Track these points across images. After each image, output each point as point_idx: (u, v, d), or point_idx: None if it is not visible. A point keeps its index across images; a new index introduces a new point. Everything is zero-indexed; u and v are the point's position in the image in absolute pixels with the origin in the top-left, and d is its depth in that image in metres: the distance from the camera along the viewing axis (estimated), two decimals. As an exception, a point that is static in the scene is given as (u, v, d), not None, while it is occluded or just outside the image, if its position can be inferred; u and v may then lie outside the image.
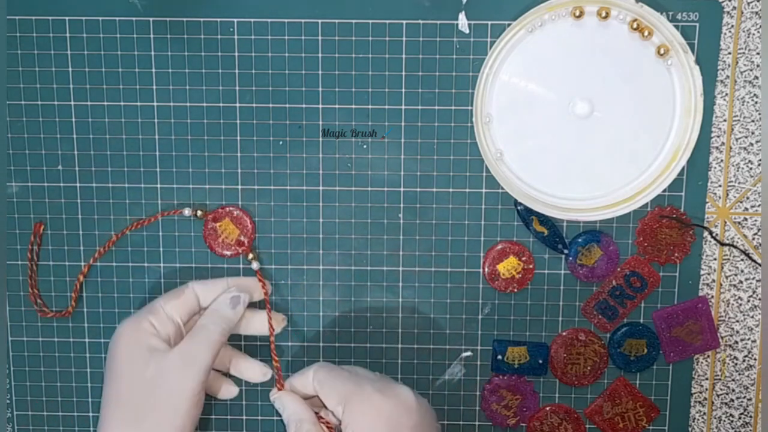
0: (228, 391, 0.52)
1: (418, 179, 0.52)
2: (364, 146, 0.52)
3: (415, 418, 0.44)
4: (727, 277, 0.53)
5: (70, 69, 0.51)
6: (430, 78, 0.51)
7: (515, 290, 0.53)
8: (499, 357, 0.53)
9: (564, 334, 0.53)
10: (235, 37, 0.51)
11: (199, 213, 0.52)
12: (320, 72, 0.51)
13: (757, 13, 0.50)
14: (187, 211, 0.52)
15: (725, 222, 0.52)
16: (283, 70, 0.51)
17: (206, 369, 0.46)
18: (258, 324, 0.51)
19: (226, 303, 0.49)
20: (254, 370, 0.51)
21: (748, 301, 0.53)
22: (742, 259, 0.53)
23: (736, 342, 0.54)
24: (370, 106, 0.51)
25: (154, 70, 0.51)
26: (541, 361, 0.53)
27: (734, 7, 0.50)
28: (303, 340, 0.54)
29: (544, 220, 0.52)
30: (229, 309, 0.48)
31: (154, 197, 0.53)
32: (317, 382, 0.46)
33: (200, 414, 0.47)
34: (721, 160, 0.52)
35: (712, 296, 0.53)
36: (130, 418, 0.45)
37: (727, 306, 0.53)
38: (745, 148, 0.52)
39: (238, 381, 0.53)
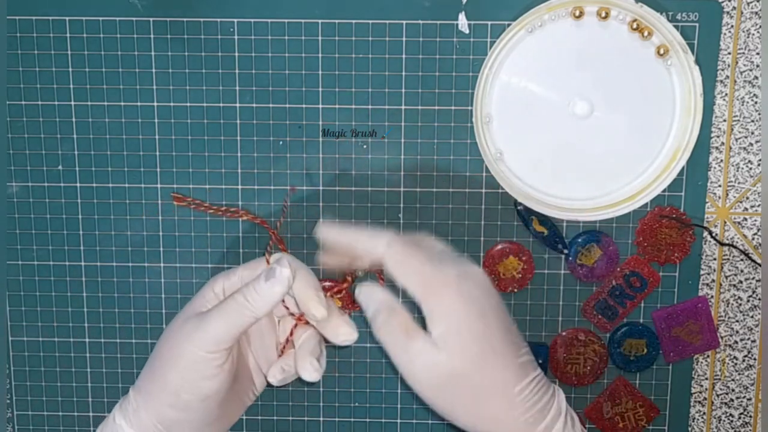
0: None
1: (418, 179, 0.52)
2: (364, 146, 0.52)
3: (494, 299, 0.42)
4: (726, 277, 0.53)
5: (70, 69, 0.51)
6: (430, 78, 0.51)
7: (515, 290, 0.53)
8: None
9: (564, 334, 0.53)
10: (235, 37, 0.51)
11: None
12: (320, 72, 0.51)
13: (756, 13, 0.50)
14: (359, 272, 0.49)
15: (725, 222, 0.52)
16: (283, 70, 0.51)
17: (215, 339, 0.42)
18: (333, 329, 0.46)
19: (260, 276, 0.43)
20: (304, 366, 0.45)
21: (748, 301, 0.53)
22: (741, 259, 0.53)
23: (736, 342, 0.54)
24: (370, 106, 0.51)
25: (154, 70, 0.51)
26: (540, 361, 0.53)
27: (734, 7, 0.50)
28: (303, 340, 0.54)
29: (544, 220, 0.52)
30: (263, 282, 0.42)
31: (154, 197, 0.53)
32: (390, 257, 0.42)
33: (221, 393, 0.43)
34: (721, 160, 0.52)
35: (712, 296, 0.53)
36: (149, 374, 0.44)
37: (727, 306, 0.53)
38: (744, 148, 0.52)
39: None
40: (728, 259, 0.53)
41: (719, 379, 0.54)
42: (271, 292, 0.42)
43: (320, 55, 0.51)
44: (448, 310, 0.41)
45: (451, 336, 0.40)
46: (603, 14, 0.48)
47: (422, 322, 0.42)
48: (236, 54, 0.51)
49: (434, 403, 0.42)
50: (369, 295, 0.44)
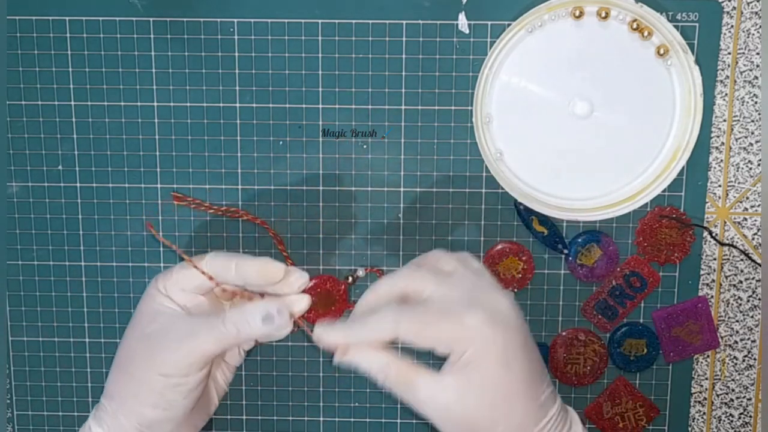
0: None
1: (418, 179, 0.52)
2: (364, 146, 0.52)
3: (522, 336, 0.41)
4: (726, 277, 0.53)
5: (70, 69, 0.51)
6: (430, 78, 0.51)
7: (515, 290, 0.53)
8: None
9: (564, 334, 0.53)
10: (235, 37, 0.51)
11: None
12: (320, 72, 0.51)
13: (756, 13, 0.50)
14: (360, 272, 0.52)
15: (725, 222, 0.52)
16: (283, 70, 0.51)
17: (204, 356, 0.42)
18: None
19: (258, 316, 0.42)
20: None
21: (748, 301, 0.53)
22: (741, 259, 0.53)
23: (736, 342, 0.54)
24: (370, 106, 0.51)
25: (154, 70, 0.51)
26: (541, 361, 0.53)
27: (734, 7, 0.50)
28: (303, 340, 0.54)
29: (543, 220, 0.52)
30: (258, 321, 0.42)
31: (154, 197, 0.53)
32: (406, 336, 0.40)
33: (203, 386, 0.44)
34: (721, 160, 0.52)
35: (712, 296, 0.53)
36: (123, 367, 0.44)
37: (727, 306, 0.53)
38: (744, 148, 0.52)
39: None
40: (728, 259, 0.53)
41: (719, 379, 0.54)
42: (265, 333, 0.42)
43: (320, 55, 0.51)
44: (471, 364, 0.39)
45: (472, 388, 0.39)
46: (603, 14, 0.48)
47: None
48: (236, 54, 0.51)
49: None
50: (362, 358, 0.41)
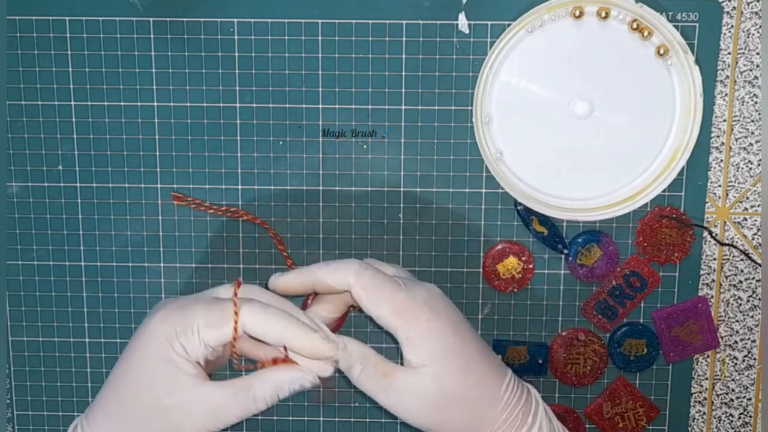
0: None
1: (418, 179, 0.52)
2: (364, 146, 0.52)
3: (457, 311, 0.43)
4: (726, 277, 0.53)
5: (70, 69, 0.51)
6: (430, 78, 0.51)
7: (515, 290, 0.53)
8: (499, 357, 0.53)
9: (564, 334, 0.53)
10: (235, 37, 0.51)
11: None
12: (320, 72, 0.51)
13: (756, 13, 0.50)
14: None
15: (725, 222, 0.52)
16: (283, 70, 0.51)
17: (226, 426, 0.41)
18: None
19: (291, 390, 0.41)
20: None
21: (748, 301, 0.53)
22: (741, 259, 0.53)
23: (736, 342, 0.54)
24: (370, 106, 0.51)
25: (154, 70, 0.51)
26: (540, 361, 0.53)
27: (734, 7, 0.50)
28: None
29: (543, 220, 0.52)
30: (287, 392, 0.41)
31: (154, 197, 0.53)
32: (361, 287, 0.42)
33: None
34: (721, 160, 0.52)
35: (712, 296, 0.53)
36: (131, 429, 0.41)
37: (727, 306, 0.53)
38: (744, 148, 0.52)
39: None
40: (728, 259, 0.53)
41: (719, 379, 0.54)
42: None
43: (320, 55, 0.51)
44: (426, 333, 0.41)
45: (434, 358, 0.41)
46: (603, 14, 0.48)
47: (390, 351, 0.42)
48: (236, 54, 0.51)
49: (433, 426, 0.42)
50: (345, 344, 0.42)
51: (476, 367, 0.42)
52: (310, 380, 0.41)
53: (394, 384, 0.41)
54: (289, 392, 0.41)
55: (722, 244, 0.53)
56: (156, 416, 0.40)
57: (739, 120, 0.51)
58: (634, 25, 0.48)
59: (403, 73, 0.51)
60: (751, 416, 0.55)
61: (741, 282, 0.53)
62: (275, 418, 0.55)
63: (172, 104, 0.52)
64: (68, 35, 0.51)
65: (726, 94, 0.51)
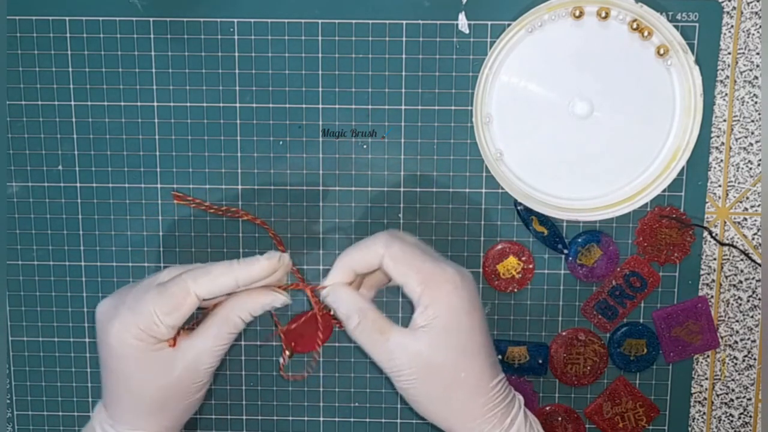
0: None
1: (418, 179, 0.52)
2: (364, 146, 0.52)
3: (479, 300, 0.44)
4: (726, 277, 0.53)
5: (70, 69, 0.51)
6: (430, 78, 0.51)
7: (515, 290, 0.53)
8: (499, 357, 0.53)
9: (564, 334, 0.53)
10: (235, 37, 0.51)
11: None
12: (320, 72, 0.51)
13: (756, 13, 0.50)
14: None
15: (725, 222, 0.52)
16: (283, 70, 0.51)
17: (218, 361, 0.44)
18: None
19: (262, 308, 0.43)
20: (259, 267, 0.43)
21: (748, 301, 0.53)
22: (741, 259, 0.53)
23: (736, 342, 0.54)
24: (370, 106, 0.51)
25: (154, 70, 0.51)
26: (540, 361, 0.53)
27: (734, 7, 0.50)
28: (303, 340, 0.54)
29: (544, 220, 0.52)
30: (260, 312, 0.44)
31: (154, 197, 0.53)
32: (390, 258, 0.43)
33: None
34: (721, 160, 0.52)
35: (712, 296, 0.53)
36: (141, 408, 0.43)
37: (727, 306, 0.53)
38: (744, 148, 0.52)
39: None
40: (728, 259, 0.53)
41: (719, 379, 0.54)
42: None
43: (320, 55, 0.51)
44: (444, 303, 0.42)
45: (438, 326, 0.41)
46: (603, 14, 0.48)
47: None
48: (236, 54, 0.51)
49: (412, 393, 0.43)
50: (338, 298, 0.44)
51: (474, 354, 0.42)
52: (281, 300, 0.44)
53: (388, 341, 0.42)
54: (261, 312, 0.43)
55: (722, 244, 0.53)
56: (162, 389, 0.43)
57: (739, 120, 0.51)
58: (634, 25, 0.48)
59: (403, 73, 0.51)
60: (751, 416, 0.55)
61: (741, 282, 0.53)
62: (275, 418, 0.55)
63: (172, 104, 0.52)
64: (68, 35, 0.51)
65: (726, 94, 0.51)
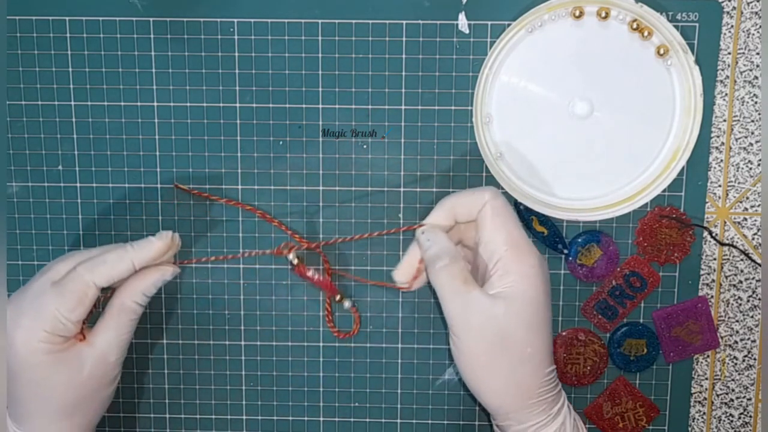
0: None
1: (418, 179, 0.52)
2: (364, 146, 0.52)
3: (549, 284, 0.45)
4: (726, 277, 0.53)
5: (70, 69, 0.51)
6: (430, 78, 0.51)
7: (515, 290, 0.53)
8: None
9: (564, 333, 0.53)
10: (235, 37, 0.51)
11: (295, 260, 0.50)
12: (320, 72, 0.51)
13: (756, 13, 0.50)
14: (347, 303, 0.51)
15: (725, 222, 0.52)
16: (283, 70, 0.51)
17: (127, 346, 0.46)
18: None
19: (154, 286, 0.45)
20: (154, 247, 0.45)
21: (748, 301, 0.53)
22: (741, 259, 0.53)
23: (736, 342, 0.54)
24: (370, 106, 0.51)
25: (154, 70, 0.51)
26: (541, 361, 0.53)
27: (734, 8, 0.50)
28: (303, 340, 0.54)
29: (544, 220, 0.52)
30: (155, 290, 0.46)
31: (154, 197, 0.53)
32: (491, 208, 0.44)
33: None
34: (721, 160, 0.52)
35: (712, 296, 0.53)
36: (54, 413, 0.43)
37: (727, 306, 0.53)
38: (744, 148, 0.52)
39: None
40: (728, 259, 0.53)
41: (719, 379, 0.54)
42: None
43: (320, 55, 0.51)
44: (526, 274, 0.42)
45: (516, 296, 0.42)
46: (603, 14, 0.48)
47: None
48: (236, 54, 0.51)
49: (468, 356, 0.42)
50: (433, 238, 0.44)
51: (542, 333, 0.43)
52: (170, 272, 0.46)
53: (469, 294, 0.42)
54: (155, 289, 0.46)
55: (722, 244, 0.53)
56: (74, 389, 0.44)
57: (739, 120, 0.51)
58: (634, 25, 0.48)
59: (403, 73, 0.51)
60: (751, 416, 0.55)
61: (741, 282, 0.53)
62: (275, 418, 0.55)
63: (172, 104, 0.52)
64: (68, 35, 0.51)
65: (726, 94, 0.51)
